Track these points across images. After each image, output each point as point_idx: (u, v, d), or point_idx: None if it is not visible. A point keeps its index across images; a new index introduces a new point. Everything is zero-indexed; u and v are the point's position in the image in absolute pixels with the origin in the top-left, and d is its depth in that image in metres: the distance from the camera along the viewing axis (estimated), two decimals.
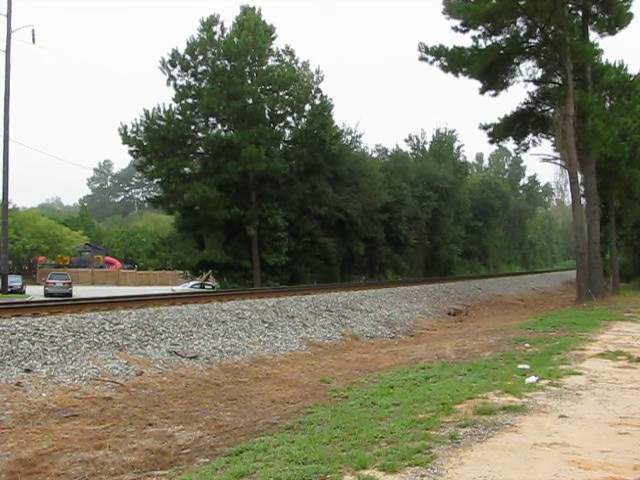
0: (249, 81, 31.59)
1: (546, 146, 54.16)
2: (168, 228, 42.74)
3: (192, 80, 31.92)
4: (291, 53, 33.61)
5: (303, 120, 33.87)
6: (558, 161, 27.85)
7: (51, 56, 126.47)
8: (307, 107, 33.67)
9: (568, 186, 26.07)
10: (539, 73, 28.09)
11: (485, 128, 29.87)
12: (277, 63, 33.21)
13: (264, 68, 32.22)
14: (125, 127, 30.49)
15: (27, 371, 9.33)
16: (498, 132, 29.71)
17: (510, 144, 40.75)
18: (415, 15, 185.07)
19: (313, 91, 33.77)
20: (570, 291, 36.26)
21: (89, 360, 10.27)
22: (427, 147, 57.26)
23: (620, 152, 26.36)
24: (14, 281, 31.96)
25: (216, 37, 31.52)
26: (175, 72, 31.60)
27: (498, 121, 29.51)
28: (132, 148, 31.15)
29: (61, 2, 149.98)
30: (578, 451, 4.83)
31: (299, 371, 11.67)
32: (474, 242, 56.55)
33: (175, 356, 11.67)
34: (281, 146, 34.17)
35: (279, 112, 33.04)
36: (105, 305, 14.90)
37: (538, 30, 25.24)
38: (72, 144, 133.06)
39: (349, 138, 38.99)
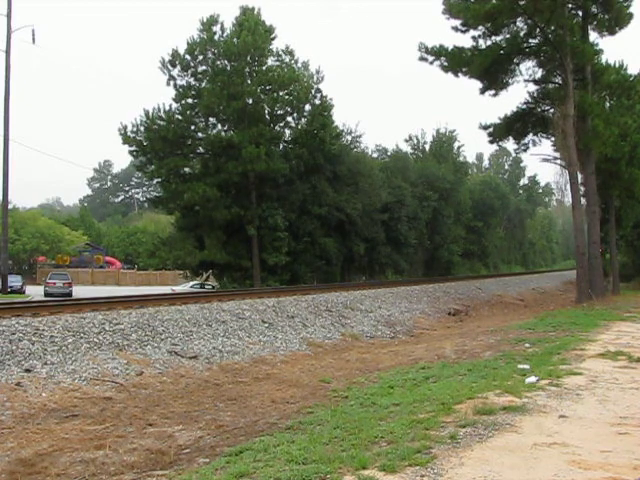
0: (249, 81, 31.60)
1: (546, 146, 54.26)
2: (168, 228, 42.71)
3: (192, 80, 31.97)
4: (291, 53, 33.67)
5: (303, 120, 33.90)
6: (558, 161, 27.88)
7: (51, 56, 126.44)
8: (307, 107, 33.74)
9: (568, 186, 26.12)
10: (539, 73, 28.12)
11: (485, 128, 29.87)
12: (277, 63, 33.24)
13: (264, 68, 32.24)
14: (125, 127, 30.56)
15: (27, 371, 9.33)
16: (498, 132, 29.70)
17: (510, 144, 40.88)
18: (415, 15, 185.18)
19: (313, 91, 33.78)
20: (570, 291, 36.26)
21: (89, 360, 10.27)
22: (427, 147, 57.32)
23: (620, 152, 26.36)
24: (14, 281, 31.91)
25: (216, 37, 31.57)
26: (175, 72, 31.69)
27: (498, 121, 29.51)
28: (132, 148, 31.21)
29: (61, 2, 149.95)
30: (578, 451, 4.82)
31: (299, 371, 11.67)
32: (474, 242, 56.54)
33: (175, 356, 11.66)
34: (281, 146, 34.20)
35: (279, 112, 33.07)
36: (105, 305, 14.89)
37: (538, 30, 25.23)
38: (72, 144, 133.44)
39: (349, 138, 39.07)
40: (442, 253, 48.07)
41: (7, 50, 27.72)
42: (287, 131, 34.80)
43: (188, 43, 31.41)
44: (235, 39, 31.13)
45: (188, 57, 31.39)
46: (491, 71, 26.24)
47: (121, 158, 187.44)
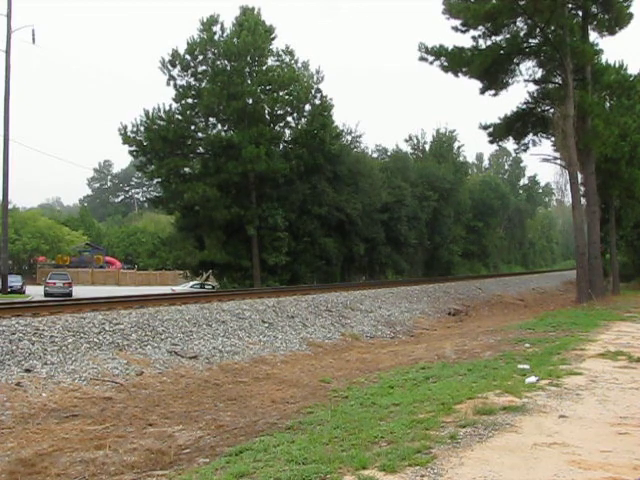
0: (249, 81, 31.61)
1: (546, 146, 54.17)
2: (168, 228, 42.73)
3: (192, 80, 31.97)
4: (291, 53, 33.69)
5: (303, 120, 33.90)
6: (558, 161, 27.86)
7: (51, 56, 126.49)
8: (307, 107, 33.75)
9: (568, 186, 26.10)
10: (539, 73, 28.11)
11: (485, 128, 29.86)
12: (277, 63, 33.27)
13: (264, 68, 32.26)
14: (125, 127, 30.56)
15: (27, 371, 9.33)
16: (498, 132, 29.69)
17: (510, 144, 40.85)
18: (415, 15, 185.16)
19: (313, 91, 33.79)
20: (570, 291, 36.26)
21: (89, 360, 10.27)
22: (427, 147, 57.34)
23: (620, 152, 26.36)
24: (14, 281, 31.91)
25: (216, 37, 31.57)
26: (175, 72, 31.68)
27: (498, 121, 29.51)
28: (132, 148, 31.22)
29: (61, 2, 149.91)
30: (578, 451, 4.82)
31: (299, 371, 11.67)
32: (474, 242, 56.56)
33: (175, 356, 11.66)
34: (281, 146, 34.20)
35: (279, 112, 33.07)
36: (105, 305, 14.89)
37: (538, 30, 25.23)
38: (72, 144, 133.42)
39: (349, 138, 39.10)
40: (442, 253, 48.07)
41: (7, 50, 27.73)
42: (287, 131, 34.85)
43: (188, 43, 31.42)
44: (235, 39, 31.14)
45: (188, 57, 31.39)
46: (491, 71, 26.24)
47: (121, 158, 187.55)
